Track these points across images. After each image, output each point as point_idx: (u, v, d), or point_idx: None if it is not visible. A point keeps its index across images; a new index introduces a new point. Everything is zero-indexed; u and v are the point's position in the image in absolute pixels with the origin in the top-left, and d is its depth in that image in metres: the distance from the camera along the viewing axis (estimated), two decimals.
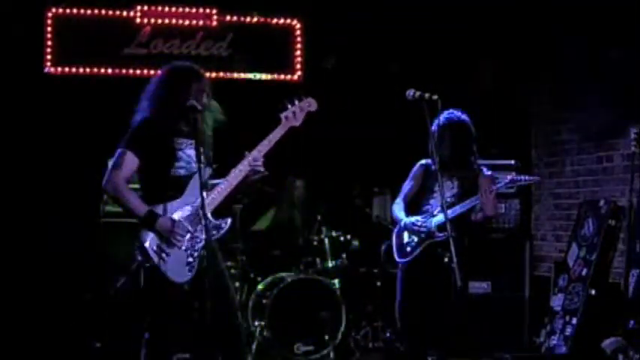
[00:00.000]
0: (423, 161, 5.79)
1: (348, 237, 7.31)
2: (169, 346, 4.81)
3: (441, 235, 5.48)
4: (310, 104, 4.95)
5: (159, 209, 4.64)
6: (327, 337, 6.76)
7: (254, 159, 4.74)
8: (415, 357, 5.74)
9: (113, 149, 7.19)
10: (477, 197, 5.54)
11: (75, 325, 7.13)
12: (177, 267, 4.59)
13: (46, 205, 7.59)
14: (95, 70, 7.92)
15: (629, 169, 6.33)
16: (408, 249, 5.67)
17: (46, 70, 7.82)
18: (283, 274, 6.96)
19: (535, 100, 8.27)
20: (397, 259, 5.71)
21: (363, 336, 7.20)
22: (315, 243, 7.21)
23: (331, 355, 6.76)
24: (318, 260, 7.15)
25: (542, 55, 8.00)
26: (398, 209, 5.77)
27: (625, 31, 6.91)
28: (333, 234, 7.23)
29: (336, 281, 6.98)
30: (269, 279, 6.95)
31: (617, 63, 6.98)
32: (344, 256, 7.22)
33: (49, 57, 7.82)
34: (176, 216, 4.63)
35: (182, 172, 4.68)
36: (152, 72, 7.88)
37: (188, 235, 4.61)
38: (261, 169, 4.77)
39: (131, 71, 7.96)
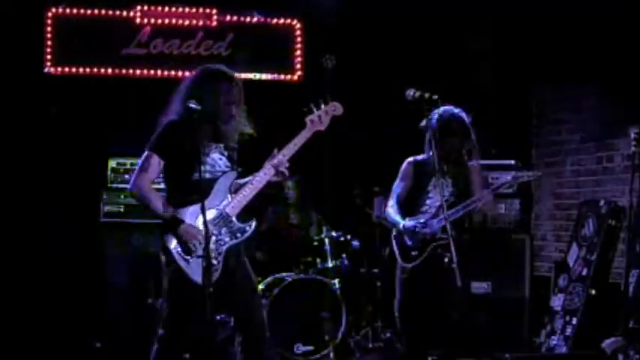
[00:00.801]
0: (411, 158, 5.76)
1: (348, 237, 7.31)
2: (183, 346, 4.82)
3: (445, 236, 5.39)
4: (336, 108, 4.97)
5: (183, 212, 4.66)
6: (327, 337, 6.75)
7: (279, 162, 4.76)
8: (415, 357, 5.73)
9: (113, 149, 7.31)
10: (478, 197, 5.53)
11: (75, 325, 7.14)
12: (201, 269, 4.59)
13: (46, 205, 7.59)
14: (95, 70, 7.93)
15: (629, 169, 6.33)
16: (413, 253, 5.60)
17: (46, 70, 7.82)
18: (283, 274, 6.95)
19: (535, 100, 8.26)
20: (402, 264, 5.63)
21: (363, 336, 7.20)
22: (315, 243, 7.21)
23: (331, 355, 6.76)
24: (318, 260, 7.15)
25: (543, 54, 7.99)
26: (393, 212, 5.71)
27: (626, 30, 6.91)
28: (333, 234, 7.22)
29: (336, 281, 6.97)
30: (269, 279, 6.95)
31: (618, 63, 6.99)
32: (344, 256, 7.22)
33: (49, 57, 7.82)
34: (200, 219, 4.64)
35: (207, 175, 4.69)
36: (152, 72, 7.96)
37: (213, 238, 4.63)
38: (286, 172, 4.79)
39: (131, 71, 7.97)
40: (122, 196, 7.22)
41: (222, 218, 4.71)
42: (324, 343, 6.75)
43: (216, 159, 4.77)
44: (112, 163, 7.35)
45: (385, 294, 7.23)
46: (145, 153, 4.73)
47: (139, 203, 4.79)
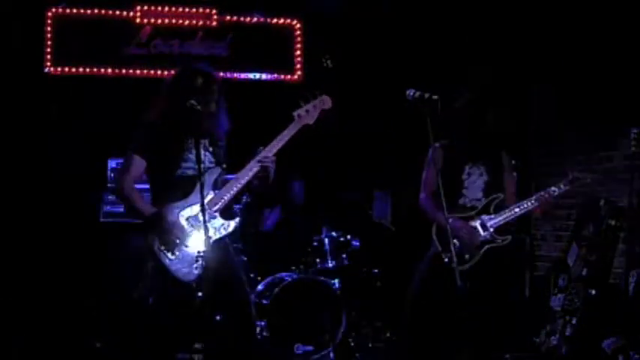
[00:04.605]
0: (437, 143, 5.37)
1: (348, 237, 7.31)
2: (174, 344, 4.83)
3: (500, 239, 5.29)
4: (324, 102, 4.95)
5: (167, 209, 4.67)
6: (327, 337, 6.75)
7: (264, 158, 4.76)
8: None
9: (113, 149, 7.31)
10: (536, 196, 5.40)
11: (75, 325, 7.13)
12: (185, 266, 4.62)
13: (46, 205, 7.59)
14: (95, 70, 7.93)
15: (629, 169, 6.33)
16: (467, 256, 5.29)
17: (46, 70, 7.83)
18: (283, 274, 6.95)
19: (535, 99, 8.26)
20: (457, 266, 4.91)
21: (363, 336, 7.19)
22: (315, 243, 7.21)
23: (331, 355, 6.76)
24: (318, 260, 7.15)
25: (543, 54, 8.00)
26: (432, 208, 5.31)
27: (626, 30, 6.92)
28: (333, 234, 7.22)
29: (336, 281, 6.97)
30: (269, 279, 6.95)
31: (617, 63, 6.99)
32: (344, 256, 7.21)
33: (49, 57, 7.82)
34: (185, 215, 4.66)
35: (190, 172, 4.72)
36: (152, 72, 7.96)
37: (194, 235, 4.64)
38: (272, 167, 4.77)
39: (131, 71, 7.98)
40: None
41: (207, 214, 4.70)
42: (324, 343, 6.75)
43: (200, 155, 4.76)
44: (112, 163, 7.35)
45: (385, 294, 7.24)
46: (127, 153, 4.75)
47: (121, 203, 4.81)
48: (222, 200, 4.77)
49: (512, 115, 8.10)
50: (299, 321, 6.77)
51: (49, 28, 7.82)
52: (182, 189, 4.70)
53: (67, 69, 7.88)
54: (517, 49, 8.06)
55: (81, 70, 7.91)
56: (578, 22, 7.42)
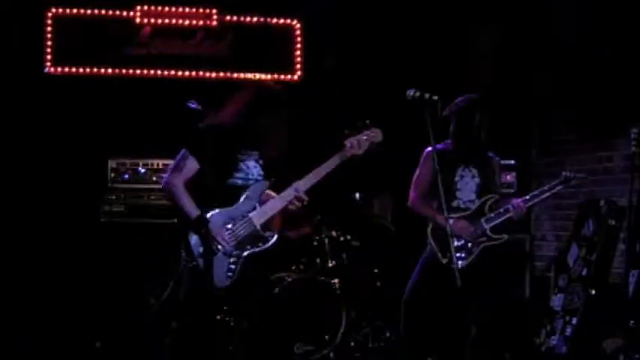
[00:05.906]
0: (429, 148, 5.41)
1: (348, 237, 7.30)
2: (196, 345, 4.87)
3: (497, 237, 5.36)
4: (376, 135, 4.96)
5: (213, 215, 4.73)
6: (327, 337, 6.75)
7: (300, 194, 4.83)
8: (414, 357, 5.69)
9: (113, 149, 7.31)
10: (512, 206, 5.42)
11: (75, 325, 7.13)
12: (218, 271, 4.68)
13: (46, 205, 7.59)
14: (95, 70, 7.93)
15: (629, 169, 6.33)
16: (463, 254, 5.39)
17: (46, 70, 7.82)
18: (283, 274, 6.95)
19: (535, 99, 8.26)
20: (456, 266, 4.88)
21: (363, 336, 7.19)
22: (315, 243, 7.20)
23: (331, 355, 6.76)
24: (318, 260, 7.15)
25: (542, 53, 8.00)
26: (428, 208, 5.43)
27: (625, 30, 6.92)
28: (333, 234, 7.22)
29: (336, 281, 6.97)
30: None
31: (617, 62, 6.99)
32: (344, 256, 7.21)
33: (49, 57, 7.82)
34: (227, 224, 4.74)
35: (239, 182, 4.80)
36: (152, 72, 7.96)
37: (233, 243, 4.72)
38: (299, 206, 4.84)
39: (131, 71, 7.97)
40: (122, 196, 7.23)
41: (247, 225, 4.77)
42: (324, 343, 6.74)
43: (251, 167, 4.86)
44: (112, 163, 7.35)
45: (385, 294, 7.23)
46: (183, 152, 4.79)
47: (168, 200, 4.86)
48: (265, 215, 4.82)
49: (512, 115, 8.16)
50: (299, 321, 6.77)
51: (49, 28, 7.81)
52: (229, 197, 4.76)
53: (67, 69, 7.87)
54: (516, 48, 8.06)
55: (81, 70, 7.90)
56: (579, 21, 7.42)
